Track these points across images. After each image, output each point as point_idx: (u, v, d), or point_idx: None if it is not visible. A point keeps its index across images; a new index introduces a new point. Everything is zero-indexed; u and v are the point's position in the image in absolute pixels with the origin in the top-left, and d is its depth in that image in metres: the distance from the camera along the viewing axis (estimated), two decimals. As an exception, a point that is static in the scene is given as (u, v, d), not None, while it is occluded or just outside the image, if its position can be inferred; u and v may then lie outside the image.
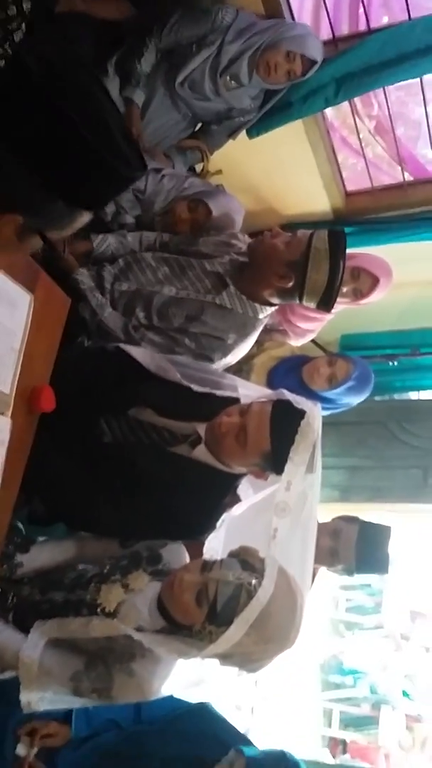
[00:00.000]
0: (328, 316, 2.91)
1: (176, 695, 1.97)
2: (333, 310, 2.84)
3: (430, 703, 6.24)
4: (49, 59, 0.96)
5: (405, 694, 6.23)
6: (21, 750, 1.81)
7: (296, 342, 2.91)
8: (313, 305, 2.10)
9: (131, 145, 1.04)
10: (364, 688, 6.27)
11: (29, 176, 0.95)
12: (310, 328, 2.91)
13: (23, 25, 1.84)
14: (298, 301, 2.11)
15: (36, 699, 1.57)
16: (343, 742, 6.15)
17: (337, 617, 6.95)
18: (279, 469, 1.65)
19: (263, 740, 4.81)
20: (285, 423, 1.65)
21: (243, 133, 2.81)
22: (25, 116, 0.94)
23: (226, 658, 1.52)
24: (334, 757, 5.96)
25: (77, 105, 0.94)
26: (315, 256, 2.00)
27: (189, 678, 1.69)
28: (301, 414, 1.67)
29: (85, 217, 1.08)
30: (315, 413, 1.68)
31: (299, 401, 1.72)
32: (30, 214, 0.99)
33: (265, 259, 2.10)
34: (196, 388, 1.84)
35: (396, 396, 4.36)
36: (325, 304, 2.07)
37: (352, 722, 6.30)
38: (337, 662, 6.54)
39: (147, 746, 1.96)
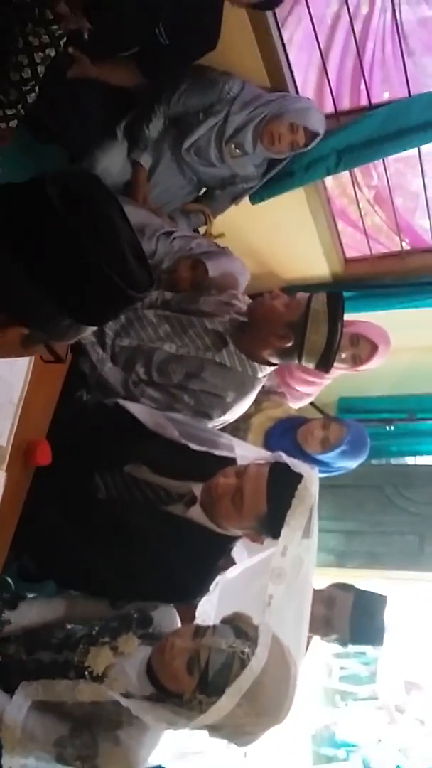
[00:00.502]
0: (326, 381, 2.93)
1: (164, 766, 1.91)
2: (331, 375, 2.87)
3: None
4: (71, 190, 0.98)
5: (399, 769, 6.01)
6: None
7: (294, 405, 2.92)
8: (312, 366, 2.11)
9: (142, 263, 1.06)
10: (357, 763, 6.05)
11: (38, 293, 0.97)
12: (308, 392, 2.93)
13: (36, 87, 1.91)
14: (297, 362, 2.13)
15: (18, 765, 1.52)
16: None
17: (331, 686, 6.75)
18: (275, 533, 1.63)
19: None
20: (282, 486, 1.64)
21: (246, 200, 2.89)
22: (39, 237, 0.96)
23: (216, 729, 1.48)
24: None
25: (91, 230, 0.97)
26: (314, 317, 2.03)
27: (176, 749, 1.63)
28: (298, 478, 1.66)
29: (89, 330, 1.10)
30: (312, 477, 1.68)
31: (297, 465, 1.71)
32: (36, 327, 1.01)
33: (265, 320, 2.13)
34: (193, 446, 1.84)
35: (393, 460, 4.35)
36: (324, 364, 2.09)
37: (344, 799, 6.06)
38: (329, 734, 6.32)
39: None
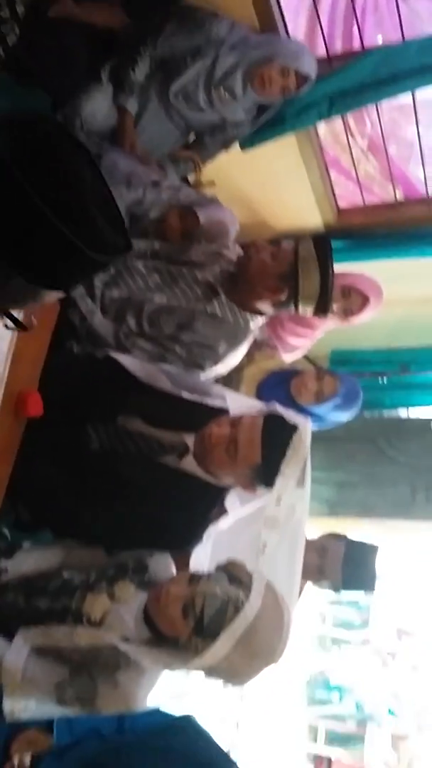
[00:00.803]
0: (318, 333, 2.92)
1: (161, 707, 1.96)
2: (323, 327, 2.87)
3: (416, 722, 6.21)
4: (27, 139, 0.91)
5: (391, 712, 6.19)
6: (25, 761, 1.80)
7: (286, 357, 2.91)
8: (310, 312, 2.10)
9: (116, 223, 0.99)
10: (350, 705, 6.24)
11: None
12: (299, 344, 2.92)
13: (16, 28, 1.85)
14: (294, 310, 2.11)
15: (19, 707, 1.55)
16: (329, 760, 6.10)
17: (324, 632, 6.92)
18: (269, 482, 1.64)
19: (248, 755, 4.79)
20: (277, 437, 1.65)
21: (236, 146, 2.84)
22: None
23: (211, 671, 1.51)
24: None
25: (45, 182, 0.90)
26: (303, 264, 2.01)
27: (173, 690, 1.67)
28: (293, 428, 1.66)
29: (55, 295, 1.04)
30: (307, 428, 1.68)
31: (291, 416, 1.72)
32: None
33: (256, 275, 2.11)
34: (186, 395, 1.84)
35: (385, 413, 4.38)
36: (322, 309, 2.08)
37: (337, 739, 6.25)
38: (323, 678, 6.50)
39: (129, 758, 1.93)
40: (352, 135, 3.37)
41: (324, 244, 2.04)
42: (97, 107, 2.47)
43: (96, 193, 0.98)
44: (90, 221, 0.95)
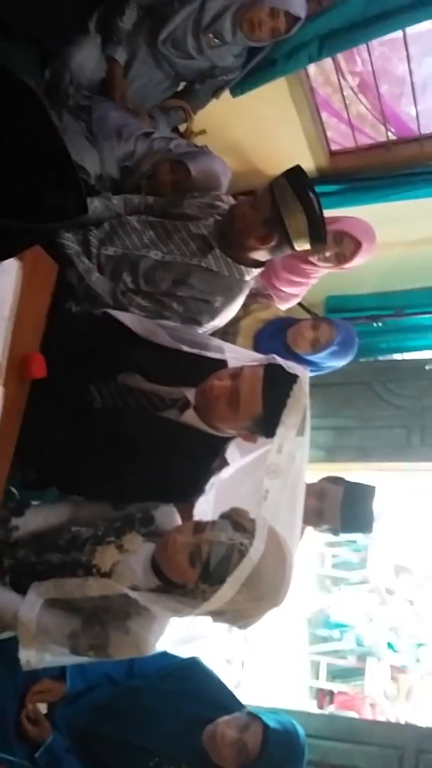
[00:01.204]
0: (312, 281, 2.92)
1: (169, 651, 2.04)
2: (317, 276, 2.86)
3: (414, 655, 6.43)
4: None
5: (390, 646, 6.40)
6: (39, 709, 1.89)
7: (282, 306, 2.92)
8: (307, 246, 2.07)
9: (67, 186, 0.94)
10: (350, 641, 6.44)
11: None
12: (294, 293, 2.92)
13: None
14: (291, 250, 2.09)
15: (35, 657, 1.61)
16: (330, 693, 6.34)
17: (324, 573, 7.10)
18: (270, 433, 1.66)
19: (253, 692, 4.98)
20: (277, 387, 1.66)
21: (226, 94, 2.79)
22: None
23: (218, 615, 1.56)
24: (321, 707, 6.15)
25: None
26: (283, 203, 1.97)
27: (180, 635, 1.73)
28: (293, 378, 1.68)
29: None
30: (306, 377, 1.70)
31: (291, 366, 1.73)
32: None
33: (242, 230, 2.08)
34: (185, 348, 1.85)
35: (380, 357, 4.40)
36: (317, 239, 2.04)
37: (338, 674, 6.49)
38: (324, 616, 6.70)
39: (141, 701, 2.03)
40: (343, 75, 3.30)
41: (296, 176, 1.99)
42: (86, 59, 2.41)
43: (47, 149, 0.95)
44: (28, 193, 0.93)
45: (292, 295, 2.93)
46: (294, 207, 1.97)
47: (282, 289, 2.86)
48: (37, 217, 0.90)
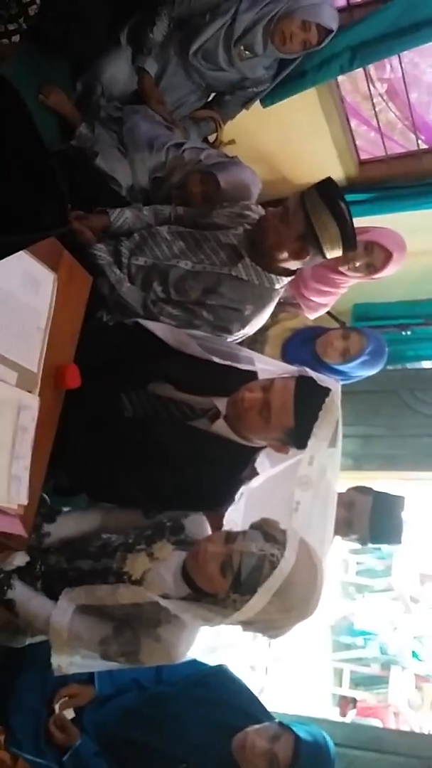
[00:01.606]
0: (341, 290, 2.92)
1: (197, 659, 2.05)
2: (346, 286, 2.85)
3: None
4: None
5: (414, 655, 6.34)
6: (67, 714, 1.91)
7: (310, 315, 2.92)
8: (339, 254, 2.10)
9: (47, 193, 0.94)
10: (374, 649, 6.39)
11: None
12: (323, 302, 2.92)
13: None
14: (322, 259, 2.10)
15: (66, 662, 1.64)
16: (353, 701, 6.30)
17: (348, 580, 7.06)
18: (302, 444, 1.67)
19: (276, 699, 4.97)
20: (309, 400, 1.67)
21: (256, 103, 2.80)
22: None
23: (248, 624, 1.57)
24: (343, 715, 6.11)
25: None
26: (316, 218, 1.99)
27: (208, 643, 1.75)
28: (326, 391, 1.69)
29: None
30: (338, 390, 1.71)
31: (322, 379, 1.74)
32: None
33: (274, 244, 2.10)
34: (217, 360, 1.87)
35: (409, 365, 4.37)
36: (349, 246, 2.07)
37: (362, 681, 6.44)
38: (347, 624, 6.65)
39: (169, 708, 2.04)
40: (372, 83, 3.30)
41: (327, 187, 2.01)
42: (118, 71, 2.45)
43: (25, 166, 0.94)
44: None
45: (320, 305, 2.94)
46: (326, 218, 1.98)
47: (311, 298, 2.86)
48: (6, 227, 0.90)
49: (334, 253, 2.08)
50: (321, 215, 1.99)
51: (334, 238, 2.02)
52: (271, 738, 1.90)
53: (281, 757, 1.86)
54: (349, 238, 2.03)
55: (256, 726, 1.96)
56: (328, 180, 2.04)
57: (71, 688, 1.99)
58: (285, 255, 2.10)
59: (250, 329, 2.28)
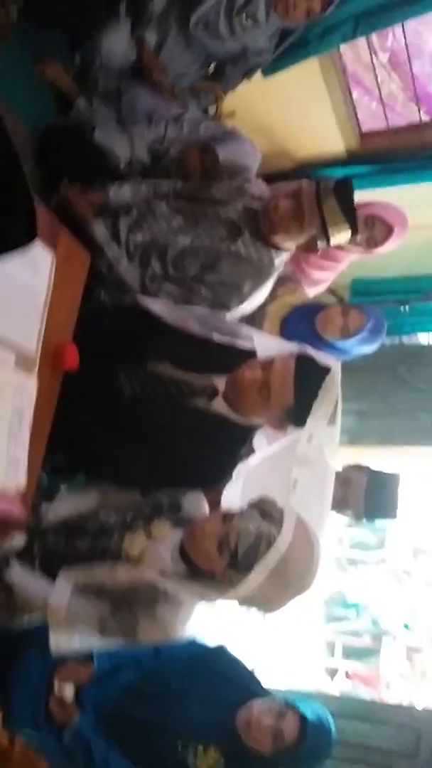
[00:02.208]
0: (342, 264, 2.89)
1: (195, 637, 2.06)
2: (347, 260, 2.83)
3: (430, 636, 6.46)
4: None
5: (406, 626, 6.43)
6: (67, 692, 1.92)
7: (310, 291, 2.89)
8: (343, 241, 2.16)
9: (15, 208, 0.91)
10: (366, 621, 6.48)
11: None
12: (324, 277, 2.89)
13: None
14: (326, 245, 2.13)
15: (65, 641, 1.65)
16: (345, 672, 6.40)
17: (341, 553, 7.12)
18: (301, 423, 1.67)
19: (270, 671, 5.04)
20: (309, 379, 1.67)
21: (257, 75, 2.74)
22: None
23: (245, 600, 1.58)
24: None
25: None
26: (332, 222, 2.03)
27: (202, 619, 1.75)
28: (326, 370, 1.68)
29: None
30: (338, 369, 1.70)
31: (322, 357, 1.73)
32: None
33: (284, 238, 2.13)
34: (216, 337, 1.85)
35: (405, 339, 4.36)
36: (354, 233, 2.11)
37: (354, 653, 6.54)
38: (340, 596, 6.73)
39: (169, 683, 2.06)
40: (375, 53, 3.24)
41: (346, 193, 2.05)
42: (116, 43, 2.38)
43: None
44: None
45: (321, 280, 2.91)
46: (342, 224, 2.05)
47: (312, 274, 2.83)
48: None
49: (338, 241, 2.11)
50: (337, 223, 2.03)
51: (345, 234, 2.08)
52: (277, 715, 1.93)
53: (287, 735, 1.90)
54: (357, 231, 2.10)
55: (261, 702, 1.99)
56: (346, 184, 2.06)
57: (69, 665, 2.01)
58: (292, 246, 2.09)
59: (249, 306, 2.26)
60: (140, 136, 2.35)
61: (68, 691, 1.94)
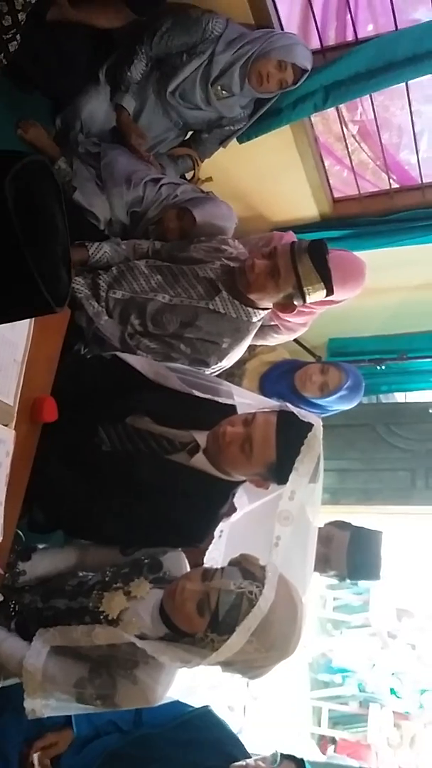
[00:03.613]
0: (320, 309, 2.89)
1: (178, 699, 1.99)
2: (320, 309, 2.86)
3: (417, 701, 6.30)
4: (28, 188, 0.94)
5: (393, 692, 6.28)
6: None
7: (288, 337, 2.90)
8: (321, 296, 2.19)
9: (67, 269, 1.00)
10: (352, 687, 6.32)
11: None
12: (300, 322, 2.89)
13: (18, 36, 1.85)
14: (302, 302, 2.17)
15: (40, 706, 1.58)
16: (333, 740, 6.20)
17: (325, 616, 6.99)
18: (283, 480, 1.65)
19: (256, 739, 4.86)
20: (292, 435, 1.66)
21: (233, 142, 2.84)
22: None
23: (228, 665, 1.54)
24: (324, 754, 6.00)
25: (34, 237, 0.93)
26: (308, 281, 2.09)
27: (185, 684, 1.70)
28: (308, 427, 1.68)
29: None
30: (319, 426, 1.70)
31: (304, 414, 1.74)
32: None
33: (261, 297, 2.19)
34: (197, 394, 1.86)
35: (383, 398, 4.41)
36: (329, 291, 2.16)
37: (341, 720, 6.35)
38: (325, 661, 6.58)
39: (154, 750, 1.98)
40: (345, 125, 3.38)
41: (320, 255, 2.11)
42: (96, 108, 2.47)
43: (63, 238, 1.01)
44: (56, 272, 1.00)
45: (298, 324, 2.91)
46: (317, 284, 2.11)
47: (287, 319, 2.85)
48: None
49: (315, 299, 2.17)
50: (312, 282, 2.10)
51: (320, 293, 2.14)
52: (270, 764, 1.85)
53: None
54: (332, 291, 2.16)
55: (258, 757, 1.91)
56: (320, 244, 2.12)
57: (47, 738, 1.92)
58: (269, 304, 2.15)
59: (228, 362, 2.28)
60: (119, 197, 2.41)
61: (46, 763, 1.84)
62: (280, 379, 2.68)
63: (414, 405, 4.38)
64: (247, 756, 2.01)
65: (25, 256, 0.94)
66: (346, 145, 3.35)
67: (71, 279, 1.03)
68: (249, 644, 1.47)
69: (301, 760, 1.87)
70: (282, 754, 1.92)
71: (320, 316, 2.86)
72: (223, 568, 1.58)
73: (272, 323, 2.83)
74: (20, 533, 1.79)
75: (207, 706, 2.13)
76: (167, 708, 1.82)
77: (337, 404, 2.64)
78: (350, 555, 2.47)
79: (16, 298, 0.98)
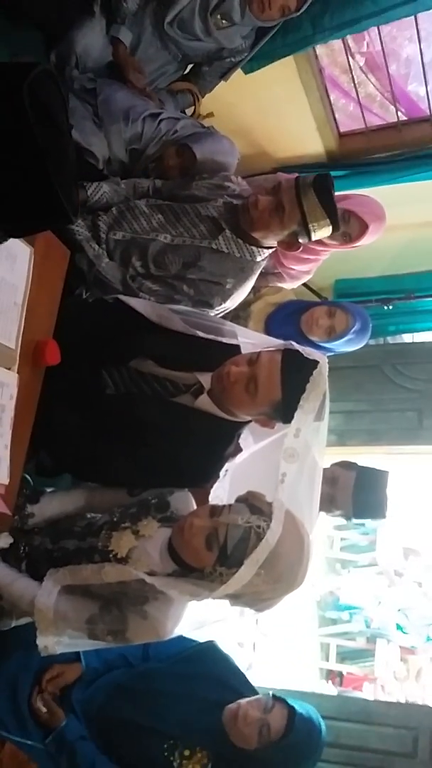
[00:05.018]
0: (323, 256, 2.86)
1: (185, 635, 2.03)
2: (326, 253, 2.82)
3: (423, 636, 6.46)
4: (40, 98, 0.93)
5: (399, 627, 6.43)
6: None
7: (292, 284, 2.87)
8: (326, 236, 2.17)
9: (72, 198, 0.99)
10: (359, 623, 6.47)
11: None
12: (304, 270, 2.86)
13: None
14: (308, 240, 2.13)
15: (52, 643, 1.62)
16: (340, 674, 6.38)
17: (333, 556, 7.12)
18: (288, 418, 1.65)
19: (264, 674, 5.01)
20: (297, 373, 1.64)
21: (235, 76, 2.75)
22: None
23: (236, 598, 1.56)
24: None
25: (50, 148, 0.93)
26: (313, 218, 2.03)
27: (194, 620, 1.73)
28: (313, 364, 1.66)
29: None
30: (325, 363, 1.68)
31: (309, 352, 1.72)
32: None
33: (265, 235, 2.13)
34: (200, 334, 1.84)
35: (390, 339, 4.38)
36: (335, 228, 2.12)
37: (348, 655, 6.53)
38: (333, 599, 6.72)
39: (159, 684, 2.04)
40: (351, 55, 3.26)
41: (325, 188, 2.05)
42: (92, 42, 2.38)
43: (72, 150, 1.00)
44: (71, 183, 0.99)
45: (302, 273, 2.88)
46: (322, 220, 2.05)
47: (291, 267, 2.81)
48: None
49: (320, 231, 2.10)
50: (318, 218, 2.04)
51: (326, 229, 2.08)
52: (264, 708, 1.90)
53: (273, 726, 1.86)
54: (338, 227, 2.11)
55: (250, 698, 1.96)
56: (326, 180, 2.06)
57: (54, 668, 1.97)
58: (273, 243, 2.10)
59: (232, 303, 2.26)
60: (117, 134, 2.34)
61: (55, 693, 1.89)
62: (286, 321, 2.64)
63: (421, 345, 4.35)
64: (254, 692, 2.06)
65: (46, 165, 0.92)
66: (353, 77, 3.24)
67: (78, 193, 1.03)
68: (257, 576, 1.49)
69: (292, 707, 1.91)
70: (274, 696, 1.96)
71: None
72: (230, 505, 1.59)
73: (276, 271, 2.80)
74: (27, 477, 1.81)
75: (212, 641, 2.18)
76: (172, 643, 1.86)
77: (345, 347, 2.61)
78: (356, 494, 2.48)
79: (36, 207, 0.96)
